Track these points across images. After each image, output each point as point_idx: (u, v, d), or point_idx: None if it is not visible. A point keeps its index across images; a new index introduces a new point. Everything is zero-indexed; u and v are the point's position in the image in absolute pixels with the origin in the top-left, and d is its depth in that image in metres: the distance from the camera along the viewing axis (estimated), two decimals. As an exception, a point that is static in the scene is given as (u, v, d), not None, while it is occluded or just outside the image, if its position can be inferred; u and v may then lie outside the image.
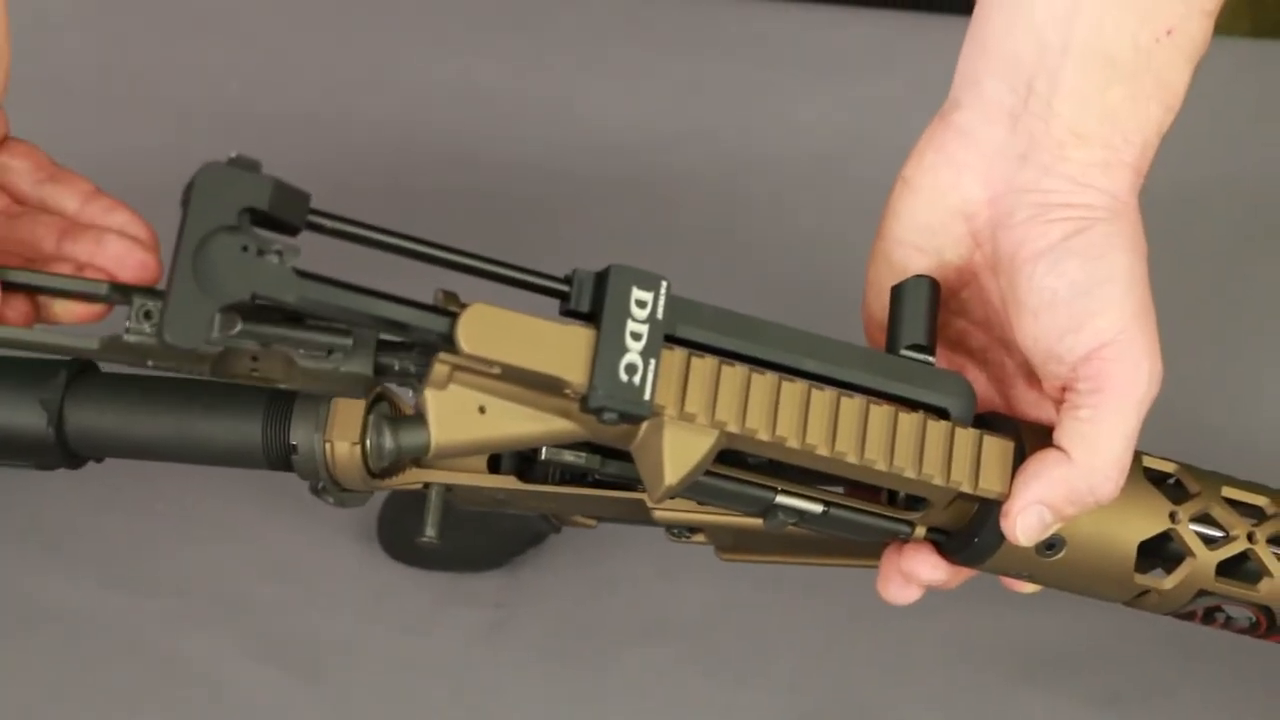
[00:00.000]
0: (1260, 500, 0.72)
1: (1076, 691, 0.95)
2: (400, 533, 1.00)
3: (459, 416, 0.65)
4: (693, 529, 0.81)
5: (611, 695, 0.96)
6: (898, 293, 0.70)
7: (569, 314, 0.65)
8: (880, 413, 0.68)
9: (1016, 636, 0.96)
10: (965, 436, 0.69)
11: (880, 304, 0.72)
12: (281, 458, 0.76)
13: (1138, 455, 0.72)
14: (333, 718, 0.95)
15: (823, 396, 0.67)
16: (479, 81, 1.11)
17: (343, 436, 0.75)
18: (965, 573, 0.74)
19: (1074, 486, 0.68)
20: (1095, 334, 0.67)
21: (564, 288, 0.65)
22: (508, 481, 0.78)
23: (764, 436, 0.66)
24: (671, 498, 0.67)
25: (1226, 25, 1.20)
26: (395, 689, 0.96)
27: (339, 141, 1.08)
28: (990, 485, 0.69)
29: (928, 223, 0.71)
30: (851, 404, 0.67)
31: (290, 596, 0.97)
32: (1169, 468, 0.73)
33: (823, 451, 0.67)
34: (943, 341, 0.74)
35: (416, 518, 0.80)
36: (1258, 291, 1.06)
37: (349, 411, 0.75)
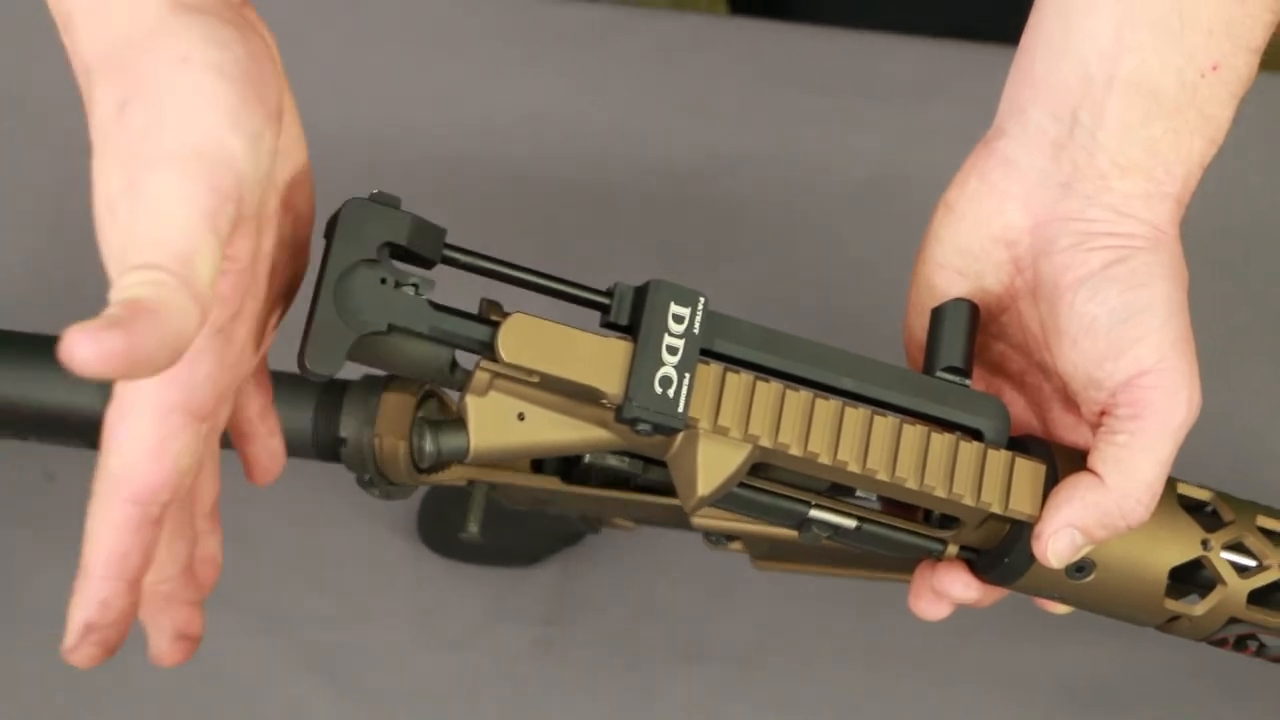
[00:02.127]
0: None
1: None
2: (439, 525, 1.00)
3: (498, 423, 0.68)
4: (730, 536, 0.82)
5: (655, 717, 0.96)
6: (937, 315, 0.71)
7: (609, 326, 0.67)
8: (913, 432, 0.69)
9: (1062, 671, 0.96)
10: (997, 458, 0.70)
11: (921, 325, 0.73)
12: (330, 449, 0.78)
13: (1172, 482, 0.72)
14: (377, 732, 0.96)
15: (856, 414, 0.68)
16: (534, 105, 1.12)
17: (391, 432, 0.76)
18: (997, 592, 0.75)
19: (1106, 510, 0.69)
20: (1135, 361, 0.68)
21: (605, 300, 0.67)
22: (551, 482, 0.80)
23: (796, 451, 0.67)
24: (705, 508, 0.68)
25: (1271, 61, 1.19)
26: (440, 705, 0.96)
27: (393, 164, 1.09)
28: (1021, 507, 0.70)
29: (969, 247, 0.72)
30: (884, 422, 0.68)
31: (335, 609, 0.98)
32: (1204, 495, 0.73)
33: (854, 468, 0.68)
34: (982, 364, 0.75)
35: (457, 511, 0.81)
36: (1258, 311, 1.06)
37: (398, 407, 0.76)
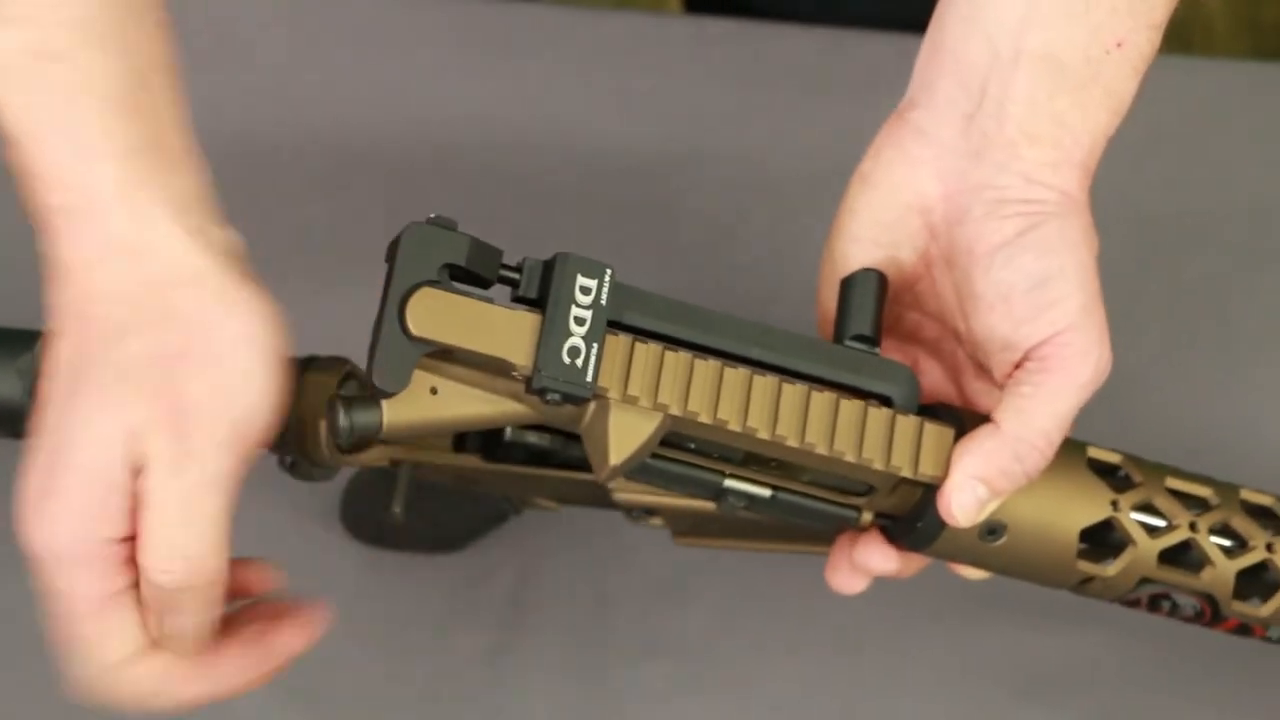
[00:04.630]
0: (1204, 491, 0.75)
1: (1074, 711, 0.95)
2: (362, 510, 1.00)
3: (411, 397, 0.69)
4: (650, 511, 0.84)
5: (614, 713, 0.97)
6: (846, 285, 0.73)
7: (519, 300, 0.68)
8: (822, 398, 0.70)
9: (1014, 656, 0.96)
10: (906, 423, 0.71)
11: (833, 299, 0.75)
12: None
13: (1083, 446, 0.75)
14: (334, 739, 0.95)
15: (764, 381, 0.70)
16: (482, 106, 1.12)
17: (313, 412, 0.77)
18: (917, 562, 0.77)
19: (1003, 457, 0.70)
20: (1050, 323, 0.70)
21: (515, 275, 0.68)
22: (472, 460, 0.81)
23: (705, 419, 0.69)
24: (617, 478, 0.70)
25: (1226, 47, 1.20)
26: (396, 712, 0.96)
27: (342, 165, 1.09)
28: (930, 470, 0.72)
29: (883, 217, 0.74)
30: (792, 389, 0.70)
31: (292, 617, 0.98)
32: (1115, 459, 0.75)
33: (763, 435, 0.69)
34: (898, 333, 0.77)
35: (380, 496, 0.81)
36: (1257, 314, 1.07)
37: (319, 388, 0.77)
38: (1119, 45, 0.71)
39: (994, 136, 0.71)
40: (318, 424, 0.77)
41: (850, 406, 0.71)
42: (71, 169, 0.68)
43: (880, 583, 0.81)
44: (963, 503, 0.71)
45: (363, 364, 0.68)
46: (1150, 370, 1.02)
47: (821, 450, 0.70)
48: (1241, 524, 0.75)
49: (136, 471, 0.68)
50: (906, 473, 0.71)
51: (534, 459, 0.81)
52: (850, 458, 0.70)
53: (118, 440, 0.68)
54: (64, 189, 0.68)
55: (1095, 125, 0.71)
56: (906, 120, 0.74)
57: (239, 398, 0.69)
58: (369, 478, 0.96)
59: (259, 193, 1.04)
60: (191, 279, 0.69)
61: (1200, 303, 1.07)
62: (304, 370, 0.77)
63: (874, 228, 0.74)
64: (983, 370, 0.74)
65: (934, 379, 0.77)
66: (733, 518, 0.75)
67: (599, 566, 0.99)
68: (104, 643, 0.71)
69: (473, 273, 0.68)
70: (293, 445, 0.77)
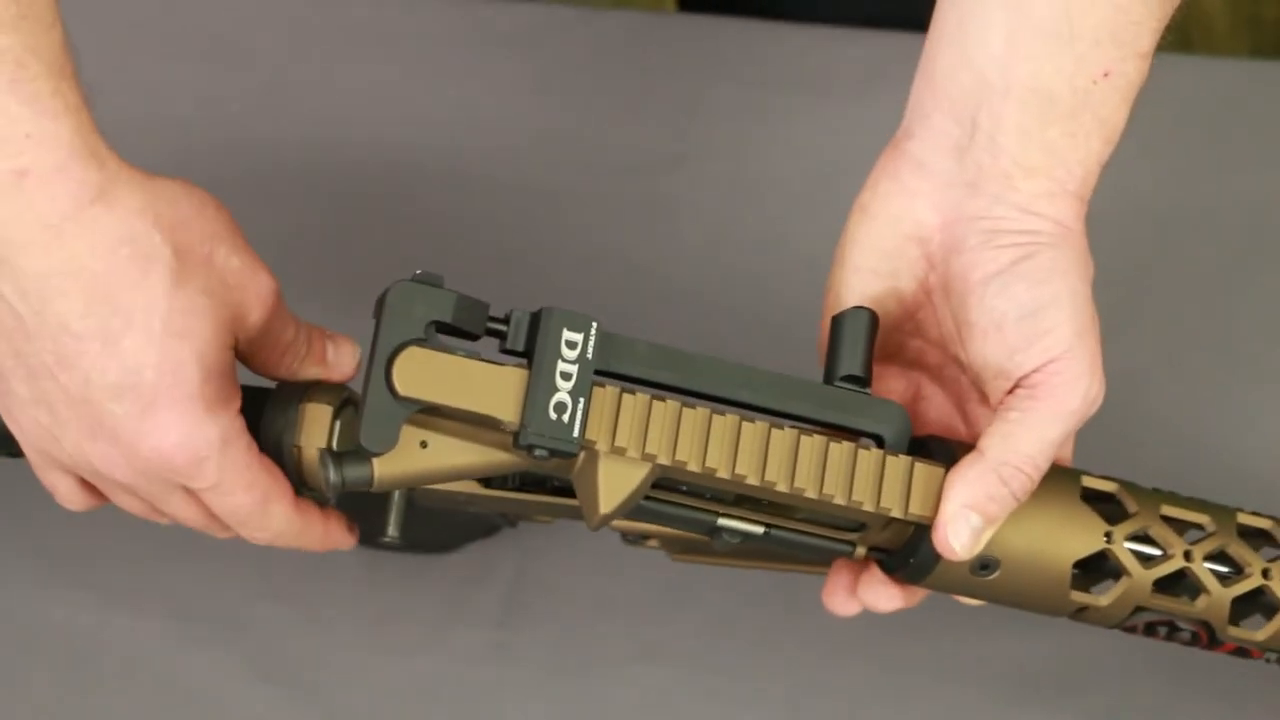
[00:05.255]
0: (1200, 518, 0.75)
1: (1073, 712, 0.95)
2: (356, 518, 0.99)
3: (401, 452, 0.70)
4: (645, 536, 0.84)
5: (613, 715, 0.96)
6: (836, 323, 0.73)
7: (507, 352, 0.69)
8: (811, 442, 0.71)
9: (1012, 658, 0.96)
10: (896, 463, 0.71)
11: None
12: None
13: (1076, 475, 0.75)
14: (333, 739, 0.95)
15: (752, 428, 0.70)
16: (473, 106, 1.12)
17: (310, 443, 0.76)
18: (920, 593, 0.77)
19: (987, 481, 0.71)
20: (1044, 351, 0.70)
21: (502, 327, 0.69)
22: (470, 487, 0.80)
23: (694, 468, 0.69)
24: (609, 523, 0.70)
25: (1226, 45, 1.20)
26: (396, 710, 0.96)
27: (338, 163, 1.09)
28: (919, 510, 0.73)
29: (883, 247, 0.75)
30: (781, 434, 0.70)
31: (289, 617, 0.97)
32: (1109, 487, 0.75)
33: (752, 481, 0.70)
34: (901, 360, 0.78)
35: (374, 502, 0.81)
36: (1256, 312, 1.06)
37: (317, 416, 0.76)
38: (1105, 75, 0.71)
39: (988, 168, 0.72)
40: (314, 454, 0.77)
41: (839, 450, 0.71)
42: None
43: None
44: (958, 533, 0.71)
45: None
46: (1149, 369, 1.01)
47: (811, 494, 0.71)
48: (1238, 550, 0.75)
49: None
50: (897, 513, 0.71)
51: (528, 485, 0.81)
52: (840, 500, 0.71)
53: None
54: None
55: (1088, 154, 0.72)
56: (903, 151, 0.75)
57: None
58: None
59: (257, 191, 1.04)
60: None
61: (1199, 300, 1.06)
62: (302, 398, 0.77)
63: (874, 257, 0.75)
64: (985, 396, 0.74)
65: (937, 405, 0.78)
66: (727, 548, 0.76)
67: (596, 569, 0.99)
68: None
69: (459, 328, 0.69)
70: (291, 473, 0.77)
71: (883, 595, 0.77)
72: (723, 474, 0.70)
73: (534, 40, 1.14)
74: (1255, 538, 0.76)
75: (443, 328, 0.69)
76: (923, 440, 0.74)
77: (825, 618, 0.97)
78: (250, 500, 0.74)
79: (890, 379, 0.78)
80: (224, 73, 1.13)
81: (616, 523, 0.82)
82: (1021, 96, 0.71)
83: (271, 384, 0.78)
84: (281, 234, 1.03)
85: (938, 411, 0.77)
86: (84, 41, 0.71)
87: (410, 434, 0.70)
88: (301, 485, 0.78)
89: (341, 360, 0.78)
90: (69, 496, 0.78)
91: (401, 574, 0.99)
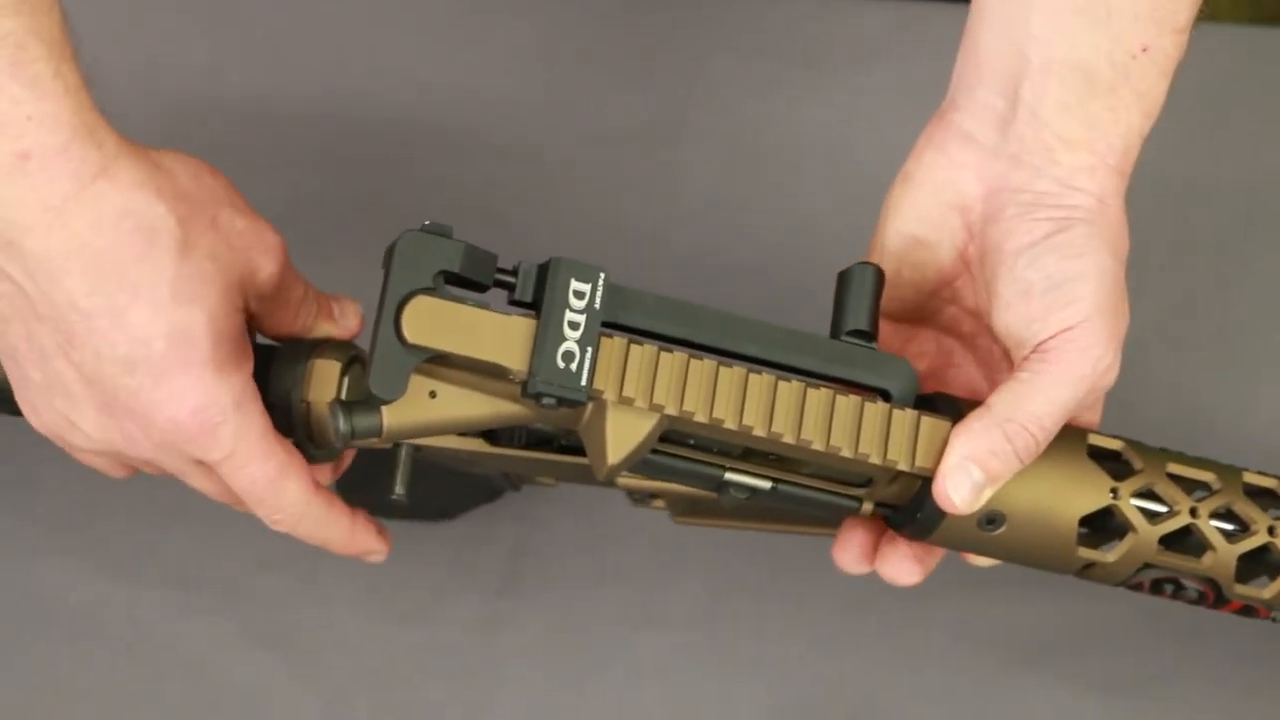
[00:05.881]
0: (1206, 476, 0.75)
1: (1076, 678, 0.95)
2: (358, 482, 0.99)
3: (410, 401, 0.70)
4: (652, 495, 0.84)
5: (611, 685, 0.96)
6: (842, 279, 0.73)
7: (515, 304, 0.69)
8: (817, 395, 0.71)
9: (1016, 623, 0.96)
10: (903, 417, 0.72)
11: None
12: None
13: (1083, 433, 0.75)
14: (333, 708, 0.95)
15: (760, 379, 0.70)
16: (479, 73, 1.11)
17: (320, 397, 0.76)
18: (935, 558, 0.77)
19: (991, 436, 0.71)
20: (1060, 320, 0.71)
21: (511, 279, 0.69)
22: (476, 444, 0.81)
23: (701, 419, 0.69)
24: (617, 476, 0.72)
25: (1227, 13, 1.19)
26: (395, 679, 0.96)
27: (340, 132, 1.08)
28: (925, 462, 0.72)
29: (927, 215, 0.76)
30: (789, 386, 0.70)
31: (289, 585, 0.98)
32: (1116, 445, 0.75)
33: (759, 432, 0.70)
34: (936, 326, 0.79)
35: (377, 467, 0.81)
36: (1257, 283, 1.06)
37: (326, 372, 0.77)
38: (1144, 50, 0.73)
39: (1030, 141, 0.73)
40: (323, 408, 0.77)
41: (846, 402, 0.71)
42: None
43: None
44: (958, 486, 0.71)
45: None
46: (1150, 339, 1.01)
47: (818, 446, 0.71)
48: (1243, 508, 0.75)
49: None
50: (904, 466, 0.71)
51: (535, 443, 0.81)
52: (847, 453, 0.71)
53: None
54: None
55: (1128, 128, 0.73)
56: (949, 123, 0.76)
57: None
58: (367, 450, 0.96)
59: (258, 158, 1.03)
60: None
61: (1200, 269, 1.06)
62: (310, 354, 0.77)
63: (916, 224, 0.76)
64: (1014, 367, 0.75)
65: (968, 373, 0.78)
66: (734, 504, 0.76)
67: (597, 537, 0.99)
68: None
69: (468, 278, 0.69)
70: (299, 429, 0.77)
71: (902, 569, 0.77)
72: (730, 425, 0.70)
73: (535, 9, 1.13)
74: (1261, 497, 0.76)
75: (451, 278, 0.69)
76: (930, 397, 0.74)
77: (826, 584, 0.97)
78: (265, 473, 0.74)
79: (923, 342, 0.79)
80: (224, 41, 1.13)
81: (624, 480, 0.82)
82: (1061, 73, 0.72)
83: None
84: (283, 201, 1.03)
85: (967, 379, 0.78)
86: (82, 12, 0.70)
87: (419, 384, 0.70)
88: (310, 444, 0.78)
89: (347, 317, 0.79)
90: (110, 470, 0.79)
91: (401, 543, 0.99)
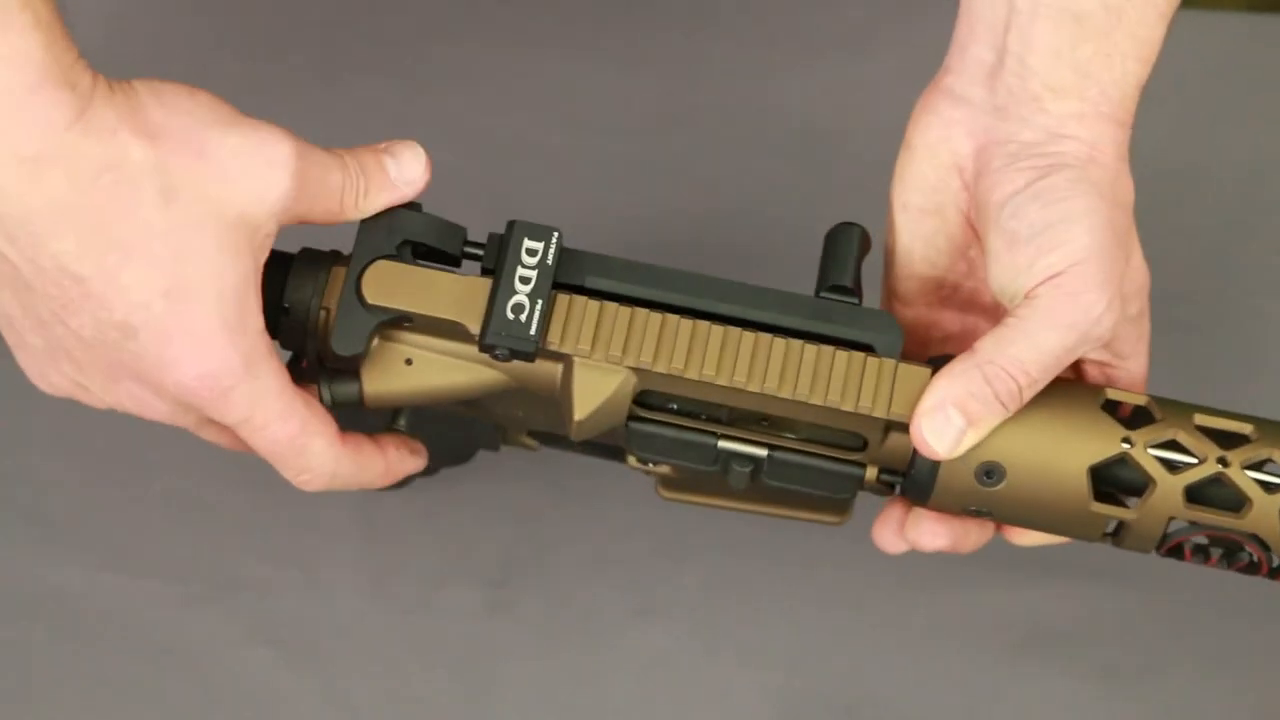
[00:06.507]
0: (1244, 428, 0.70)
1: (1071, 667, 0.95)
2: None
3: (387, 369, 0.73)
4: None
5: (611, 674, 0.96)
6: (828, 239, 0.74)
7: (486, 272, 0.73)
8: (781, 344, 0.71)
9: (1012, 613, 0.96)
10: (878, 364, 0.71)
11: (899, 277, 0.76)
12: (270, 320, 0.74)
13: (1100, 389, 0.72)
14: (331, 699, 0.95)
15: (718, 329, 0.71)
16: (472, 61, 1.11)
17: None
18: (974, 537, 0.75)
19: (970, 378, 0.69)
20: (1046, 267, 0.69)
21: (479, 251, 0.73)
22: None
23: (660, 369, 0.70)
24: (589, 437, 0.73)
25: (1226, 0, 1.19)
26: (392, 669, 0.96)
27: (332, 117, 1.08)
28: (903, 409, 0.71)
29: (927, 182, 0.75)
30: (750, 336, 0.71)
31: (287, 577, 0.97)
32: (1138, 399, 0.72)
33: (721, 381, 0.70)
34: (956, 302, 0.77)
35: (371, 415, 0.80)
36: (1251, 270, 1.06)
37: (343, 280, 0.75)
38: None
39: (1017, 91, 0.72)
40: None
41: (814, 351, 0.71)
42: None
43: (881, 539, 0.81)
44: (934, 428, 0.69)
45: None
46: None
47: (784, 395, 0.70)
48: None
49: None
50: (878, 413, 0.70)
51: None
52: (815, 400, 0.70)
53: None
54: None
55: (1124, 75, 0.71)
56: (941, 86, 0.75)
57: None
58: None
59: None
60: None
61: (1197, 255, 1.06)
62: (332, 262, 0.75)
63: (919, 193, 0.75)
64: None
65: None
66: (741, 483, 0.75)
67: (595, 525, 0.99)
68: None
69: (438, 249, 0.73)
70: (316, 336, 0.75)
71: (926, 531, 0.76)
72: (691, 374, 0.71)
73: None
74: None
75: (421, 251, 0.73)
76: (939, 359, 0.73)
77: (825, 576, 0.97)
78: (286, 432, 0.72)
79: (946, 323, 0.78)
80: (221, 20, 1.12)
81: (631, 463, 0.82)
82: (1050, 16, 0.71)
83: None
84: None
85: None
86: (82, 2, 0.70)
87: (395, 351, 0.73)
88: (315, 360, 0.76)
89: (406, 171, 0.73)
90: (141, 415, 0.74)
91: (399, 533, 0.99)
